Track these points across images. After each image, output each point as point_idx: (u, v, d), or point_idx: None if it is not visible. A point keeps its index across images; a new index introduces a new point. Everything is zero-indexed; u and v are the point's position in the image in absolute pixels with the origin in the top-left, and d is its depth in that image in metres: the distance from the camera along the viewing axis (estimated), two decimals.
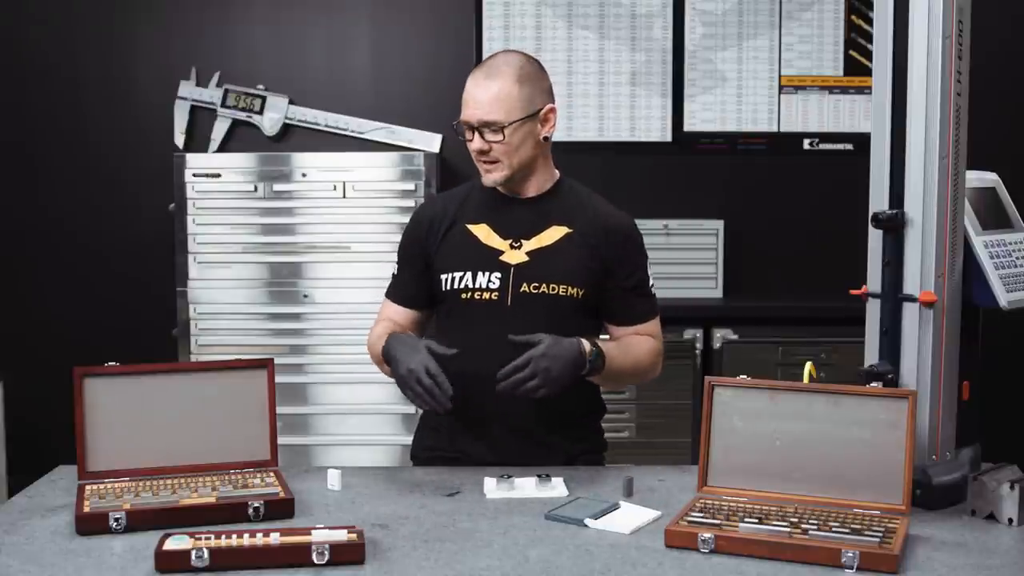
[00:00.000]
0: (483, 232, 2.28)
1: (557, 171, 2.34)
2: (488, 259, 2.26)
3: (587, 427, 2.37)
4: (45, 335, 4.21)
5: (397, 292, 2.39)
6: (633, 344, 2.28)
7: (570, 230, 2.27)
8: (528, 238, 2.27)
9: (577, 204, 2.31)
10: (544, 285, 2.23)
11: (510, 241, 2.26)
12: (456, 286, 2.26)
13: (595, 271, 2.26)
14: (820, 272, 4.02)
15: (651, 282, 2.34)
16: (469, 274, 2.26)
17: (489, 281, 2.24)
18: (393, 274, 2.40)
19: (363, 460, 3.73)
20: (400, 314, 2.36)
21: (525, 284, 2.23)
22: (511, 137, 2.20)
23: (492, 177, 2.24)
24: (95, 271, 4.26)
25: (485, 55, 4.22)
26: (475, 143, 2.22)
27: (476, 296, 2.25)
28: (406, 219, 3.73)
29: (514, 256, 2.26)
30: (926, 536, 1.79)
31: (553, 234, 2.27)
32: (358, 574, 1.64)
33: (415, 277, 2.35)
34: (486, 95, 2.21)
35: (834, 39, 4.28)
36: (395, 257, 2.41)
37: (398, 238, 3.89)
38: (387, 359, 2.18)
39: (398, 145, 4.17)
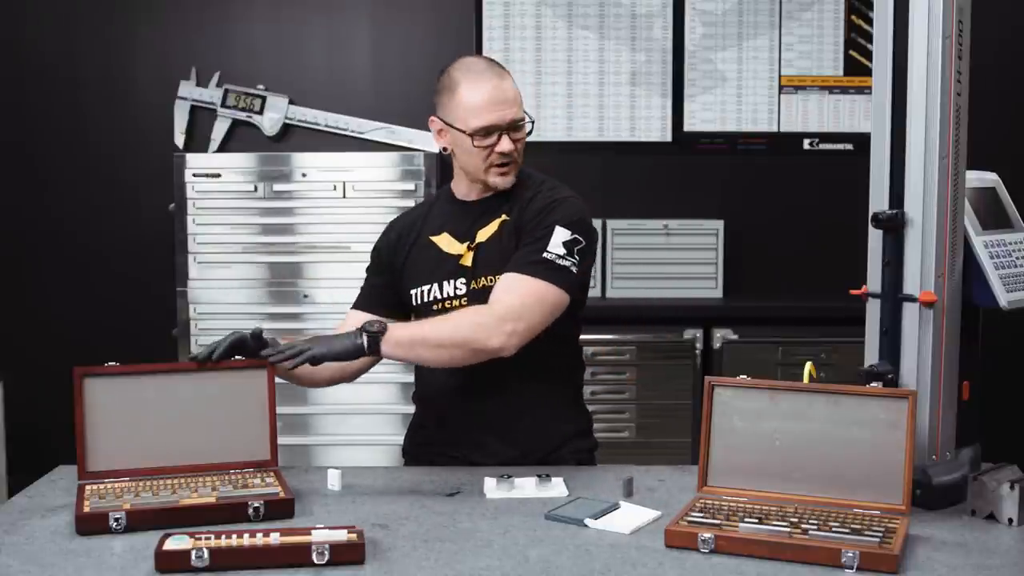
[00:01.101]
0: (444, 241, 2.27)
1: None
2: (451, 267, 2.24)
3: (577, 431, 2.34)
4: (45, 335, 4.21)
5: (360, 299, 2.37)
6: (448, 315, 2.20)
7: (507, 217, 2.23)
8: (475, 236, 2.25)
9: (521, 191, 2.24)
10: (488, 277, 2.20)
11: (467, 243, 2.25)
12: (427, 299, 2.26)
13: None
14: (820, 272, 4.02)
15: (559, 254, 2.12)
16: (436, 285, 2.25)
17: (455, 288, 2.23)
18: (361, 288, 2.39)
19: (363, 460, 3.73)
20: (362, 319, 2.22)
21: (475, 282, 2.22)
22: (528, 132, 2.21)
23: (508, 179, 2.22)
24: (95, 271, 4.27)
25: (485, 55, 4.23)
26: (504, 145, 2.17)
27: (447, 305, 2.24)
28: None
29: (468, 257, 2.24)
30: (926, 536, 1.79)
31: (493, 226, 2.24)
32: (358, 574, 1.64)
33: (380, 286, 2.34)
34: (511, 93, 2.20)
35: (834, 39, 4.28)
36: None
37: None
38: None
39: (398, 145, 4.17)
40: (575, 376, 2.37)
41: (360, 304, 2.36)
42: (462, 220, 2.27)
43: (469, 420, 2.26)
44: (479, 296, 2.19)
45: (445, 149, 2.27)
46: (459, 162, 2.26)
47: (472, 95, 2.18)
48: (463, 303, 2.21)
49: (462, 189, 2.31)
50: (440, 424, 2.31)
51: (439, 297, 2.25)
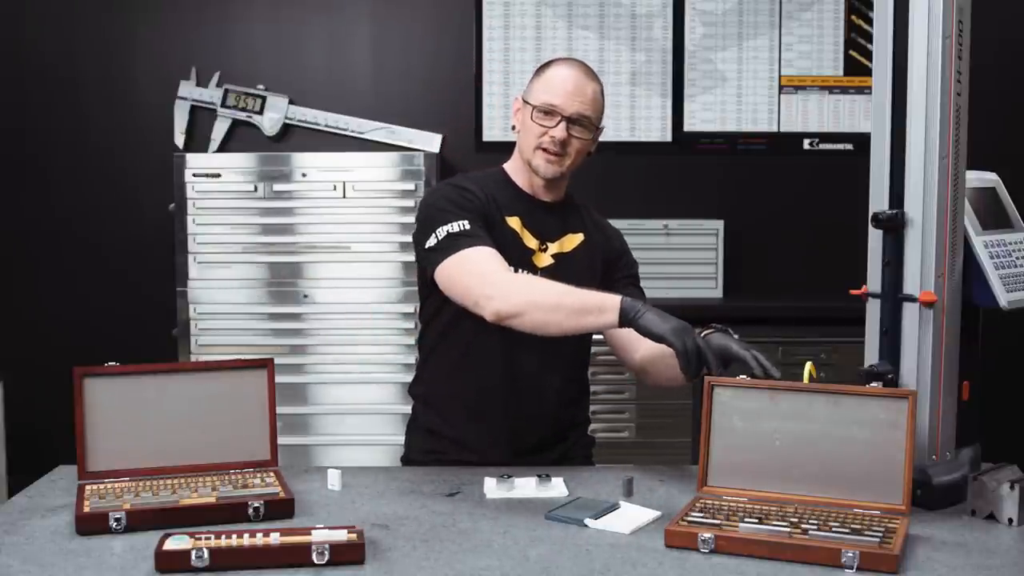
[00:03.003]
0: (517, 226, 2.27)
1: None
2: (523, 256, 2.25)
3: (582, 428, 2.41)
4: (45, 335, 4.21)
5: (487, 240, 2.15)
6: None
7: (584, 238, 2.32)
8: (552, 241, 2.29)
9: (583, 214, 2.37)
10: None
11: (538, 242, 2.27)
12: None
13: (600, 278, 2.29)
14: (820, 272, 4.02)
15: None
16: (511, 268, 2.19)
17: None
18: (464, 228, 2.14)
19: (363, 460, 3.73)
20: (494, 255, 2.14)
21: None
22: (589, 140, 2.25)
23: (553, 168, 2.23)
24: (95, 271, 4.27)
25: (485, 55, 4.24)
26: (559, 131, 2.20)
27: None
28: (406, 219, 3.81)
29: (542, 259, 2.27)
30: (926, 536, 1.79)
31: (572, 240, 2.31)
32: (358, 574, 1.64)
33: (488, 234, 2.18)
34: (590, 92, 2.24)
35: (834, 39, 4.28)
36: (429, 232, 2.17)
37: (398, 238, 3.90)
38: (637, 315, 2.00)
39: (398, 145, 4.18)
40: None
41: (485, 242, 2.14)
42: (532, 214, 2.28)
43: (501, 416, 2.27)
44: None
45: (514, 127, 2.31)
46: (519, 140, 2.30)
47: (554, 75, 2.25)
48: None
49: (522, 179, 2.32)
50: (470, 422, 2.29)
51: None
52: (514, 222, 2.26)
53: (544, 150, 2.23)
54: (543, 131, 2.22)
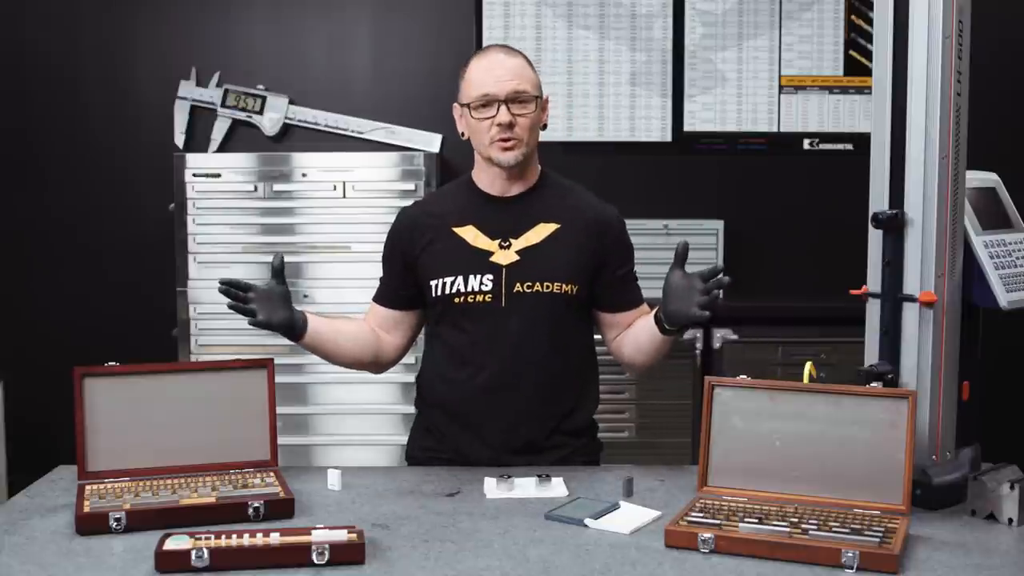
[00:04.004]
0: (470, 234, 2.27)
1: (539, 165, 2.35)
2: (478, 261, 2.25)
3: (583, 429, 2.37)
4: (45, 335, 4.21)
5: (381, 294, 2.39)
6: None
7: (558, 226, 2.27)
8: (516, 237, 2.26)
9: (561, 199, 2.32)
10: (537, 284, 2.23)
11: (499, 241, 2.26)
12: (448, 291, 2.26)
13: (586, 266, 2.27)
14: (820, 272, 4.01)
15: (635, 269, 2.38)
16: (460, 278, 2.25)
17: (481, 283, 2.24)
18: (380, 279, 2.40)
19: (363, 460, 3.73)
20: (383, 314, 2.37)
21: (518, 284, 2.23)
22: (535, 112, 2.23)
23: (512, 155, 2.22)
24: (95, 271, 4.26)
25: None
26: (502, 116, 2.20)
27: (469, 299, 2.24)
28: None
29: (504, 256, 2.25)
30: (926, 536, 1.79)
31: (541, 231, 2.27)
32: (358, 574, 1.64)
33: (398, 279, 2.35)
34: (513, 66, 2.23)
35: (834, 39, 4.28)
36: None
37: None
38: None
39: (398, 145, 4.17)
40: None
41: (380, 298, 2.39)
42: (491, 216, 2.28)
43: (497, 415, 2.27)
44: (518, 300, 2.22)
45: (463, 134, 2.30)
46: (474, 145, 2.29)
47: (474, 68, 2.25)
48: (487, 299, 2.23)
49: (485, 179, 2.31)
50: (456, 422, 2.30)
51: (463, 290, 2.25)
52: (466, 231, 2.27)
53: (500, 140, 2.21)
54: (488, 123, 2.21)
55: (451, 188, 2.41)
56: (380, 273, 2.40)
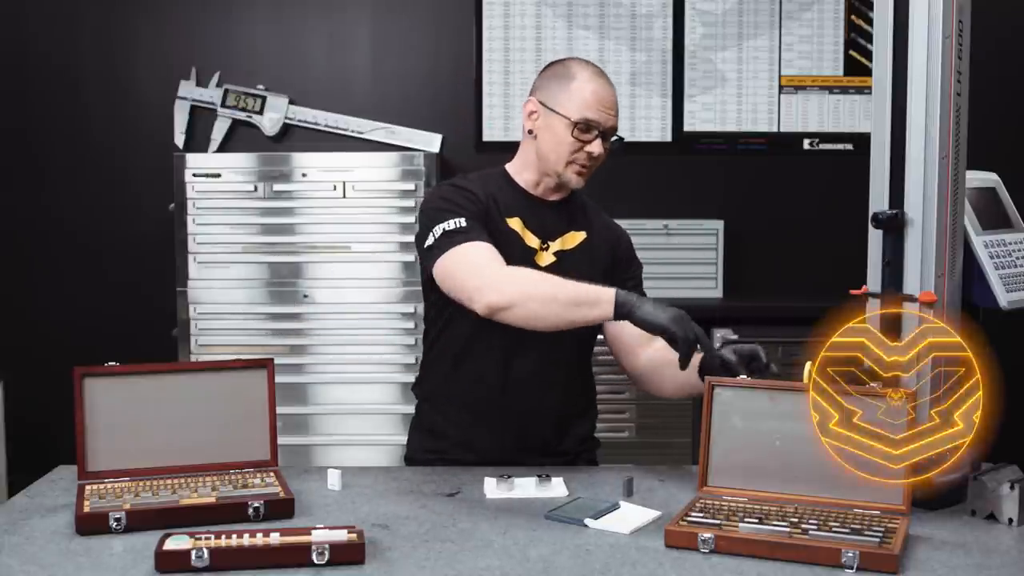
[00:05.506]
0: (518, 227, 2.26)
1: None
2: (525, 256, 2.23)
3: (590, 432, 2.39)
4: (45, 335, 4.21)
5: (483, 236, 2.14)
6: None
7: (586, 235, 2.31)
8: (554, 240, 2.28)
9: (586, 212, 2.35)
10: None
11: (540, 241, 2.27)
12: None
13: (604, 274, 2.25)
14: (820, 272, 4.01)
15: None
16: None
17: None
18: (460, 225, 2.13)
19: (363, 460, 3.73)
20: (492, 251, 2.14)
21: None
22: (608, 147, 2.24)
23: (581, 181, 2.25)
24: (95, 271, 4.27)
25: (485, 55, 4.25)
26: (596, 147, 2.20)
27: None
28: (406, 219, 3.81)
29: (544, 257, 2.26)
30: (926, 536, 1.79)
31: (574, 238, 2.30)
32: (358, 574, 1.64)
33: (483, 225, 2.18)
34: (616, 101, 2.24)
35: (834, 39, 4.28)
36: (427, 231, 2.17)
37: (398, 238, 3.89)
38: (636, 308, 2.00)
39: (398, 145, 4.17)
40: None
41: (480, 237, 2.14)
42: (534, 214, 2.27)
43: (509, 414, 2.26)
44: None
45: (531, 132, 2.27)
46: (541, 149, 2.25)
47: (589, 88, 2.21)
48: None
49: (528, 178, 2.30)
50: (471, 422, 2.28)
51: None
52: (515, 223, 2.25)
53: (580, 165, 2.22)
54: (579, 146, 2.20)
55: (485, 178, 2.31)
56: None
